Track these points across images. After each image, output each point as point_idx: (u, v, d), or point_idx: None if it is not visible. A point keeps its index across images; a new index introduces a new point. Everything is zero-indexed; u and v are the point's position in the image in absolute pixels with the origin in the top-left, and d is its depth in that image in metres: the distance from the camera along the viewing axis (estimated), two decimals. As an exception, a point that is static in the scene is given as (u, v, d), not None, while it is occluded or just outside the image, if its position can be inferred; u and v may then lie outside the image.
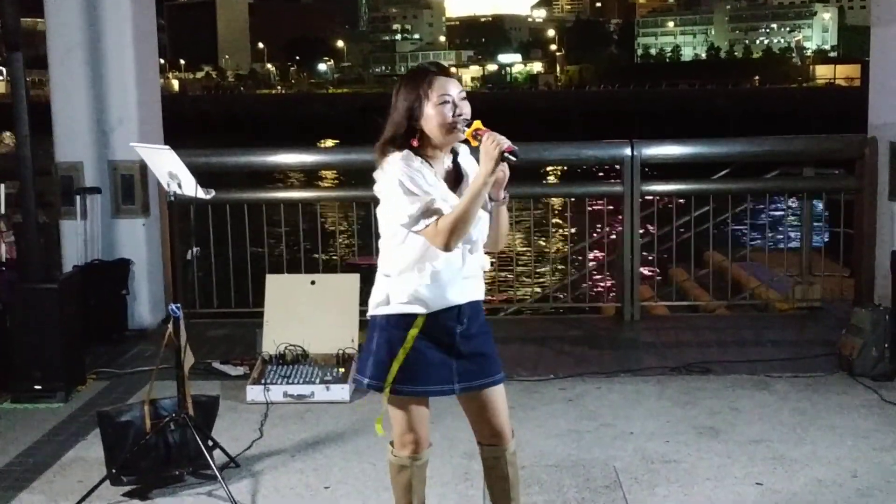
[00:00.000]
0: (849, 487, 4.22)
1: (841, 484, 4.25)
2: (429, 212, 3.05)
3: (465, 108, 3.11)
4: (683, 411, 5.24)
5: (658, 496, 4.17)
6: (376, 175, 3.16)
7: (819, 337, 6.60)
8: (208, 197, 4.27)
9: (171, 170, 4.20)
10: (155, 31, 7.57)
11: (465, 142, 3.14)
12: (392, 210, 3.11)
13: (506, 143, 2.98)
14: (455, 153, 3.24)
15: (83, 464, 4.64)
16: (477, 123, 3.06)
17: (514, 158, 2.99)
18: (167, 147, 4.27)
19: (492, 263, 3.43)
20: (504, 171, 3.07)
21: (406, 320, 3.17)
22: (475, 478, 4.27)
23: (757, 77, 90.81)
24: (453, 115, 3.08)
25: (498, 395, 3.32)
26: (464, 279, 3.19)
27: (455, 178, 3.20)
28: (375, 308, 3.23)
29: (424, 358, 3.18)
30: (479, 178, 3.01)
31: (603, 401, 5.44)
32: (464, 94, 3.12)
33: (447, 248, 3.05)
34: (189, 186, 4.17)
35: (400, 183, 3.05)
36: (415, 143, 3.12)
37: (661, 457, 4.60)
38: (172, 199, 4.31)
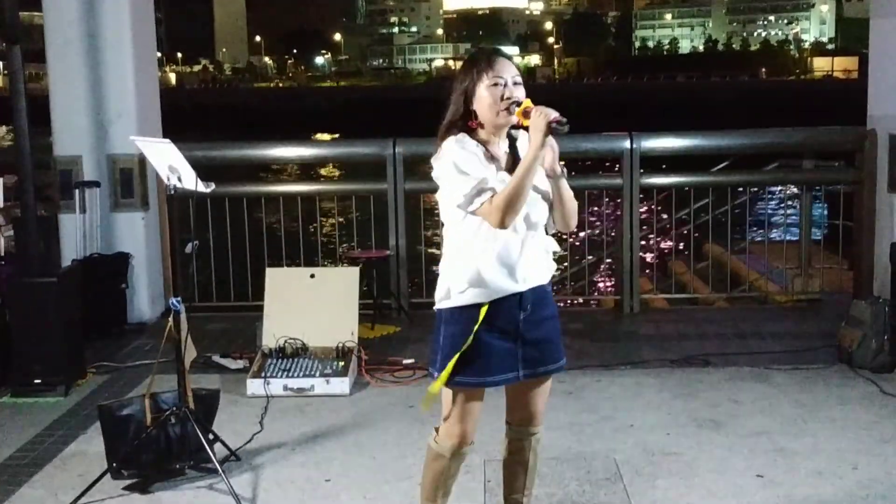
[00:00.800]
0: (849, 479, 4.22)
1: (841, 476, 4.26)
2: (483, 190, 3.04)
3: (518, 92, 3.10)
4: (684, 404, 5.24)
5: (659, 489, 4.18)
6: (433, 160, 3.17)
7: (818, 329, 6.60)
8: (208, 191, 4.26)
9: (171, 163, 4.19)
10: (153, 24, 7.56)
11: (523, 127, 3.11)
12: (448, 192, 3.11)
13: (553, 114, 2.98)
14: (513, 138, 3.20)
15: (84, 458, 4.64)
16: (527, 102, 3.06)
17: (563, 129, 2.98)
18: (167, 140, 4.26)
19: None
20: (553, 145, 3.05)
21: (468, 312, 3.14)
22: (475, 470, 4.28)
23: (764, 69, 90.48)
24: (503, 98, 3.08)
25: (546, 382, 3.35)
26: (525, 264, 3.15)
27: (512, 163, 3.14)
28: (439, 302, 3.22)
29: (489, 349, 3.16)
30: (529, 152, 3.00)
31: (603, 393, 5.44)
32: (518, 79, 3.12)
33: (503, 224, 3.04)
34: (189, 180, 4.16)
35: (454, 164, 3.07)
36: (472, 125, 3.13)
37: (661, 449, 4.60)
38: (172, 192, 4.30)
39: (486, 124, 3.14)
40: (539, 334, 3.22)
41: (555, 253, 3.30)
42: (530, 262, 3.17)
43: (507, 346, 3.18)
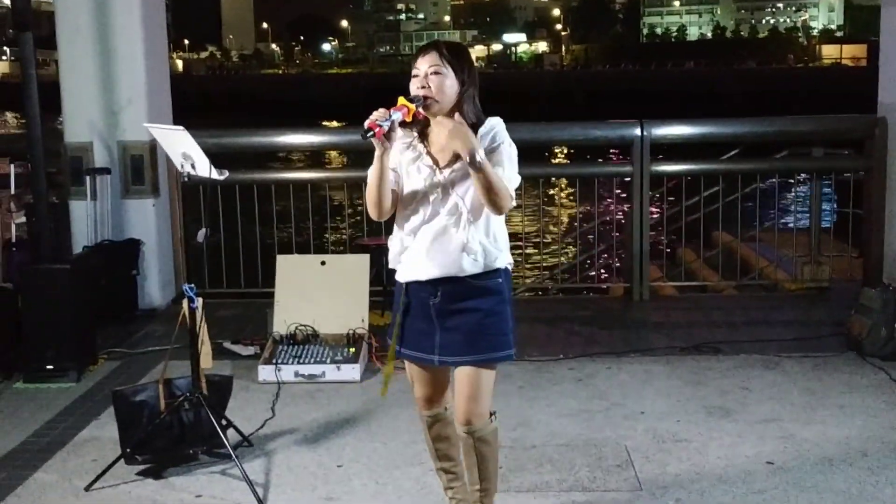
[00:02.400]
0: (859, 466, 4.23)
1: (851, 463, 4.27)
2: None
3: (431, 83, 3.18)
4: (693, 391, 5.26)
5: (669, 475, 4.19)
6: None
7: (828, 317, 6.61)
8: (222, 178, 4.27)
9: (184, 150, 4.20)
10: (164, 10, 7.58)
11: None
12: None
13: (368, 120, 3.07)
14: (467, 123, 3.19)
15: (97, 443, 4.67)
16: (400, 100, 3.15)
17: (368, 134, 3.06)
18: (181, 128, 4.26)
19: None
20: (462, 135, 3.05)
21: (399, 286, 3.39)
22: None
23: (791, 55, 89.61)
24: (417, 87, 3.20)
25: (470, 378, 3.33)
26: (426, 255, 3.26)
27: (453, 153, 3.19)
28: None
29: (410, 323, 3.36)
30: (375, 159, 3.17)
31: (613, 381, 5.46)
32: (439, 69, 3.18)
33: (373, 216, 3.28)
34: (203, 167, 4.17)
35: None
36: (419, 116, 3.22)
37: (672, 436, 4.62)
38: (186, 179, 4.31)
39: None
40: (455, 324, 3.29)
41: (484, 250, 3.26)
42: (438, 252, 3.24)
43: (424, 327, 3.33)
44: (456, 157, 3.18)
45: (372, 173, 3.20)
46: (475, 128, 3.18)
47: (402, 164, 3.28)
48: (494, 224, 3.28)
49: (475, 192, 3.15)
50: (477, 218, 3.23)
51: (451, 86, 3.19)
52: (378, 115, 3.06)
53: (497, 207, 3.14)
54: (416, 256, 3.29)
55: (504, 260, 3.32)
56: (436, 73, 3.18)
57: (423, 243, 3.27)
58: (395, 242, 3.37)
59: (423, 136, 3.30)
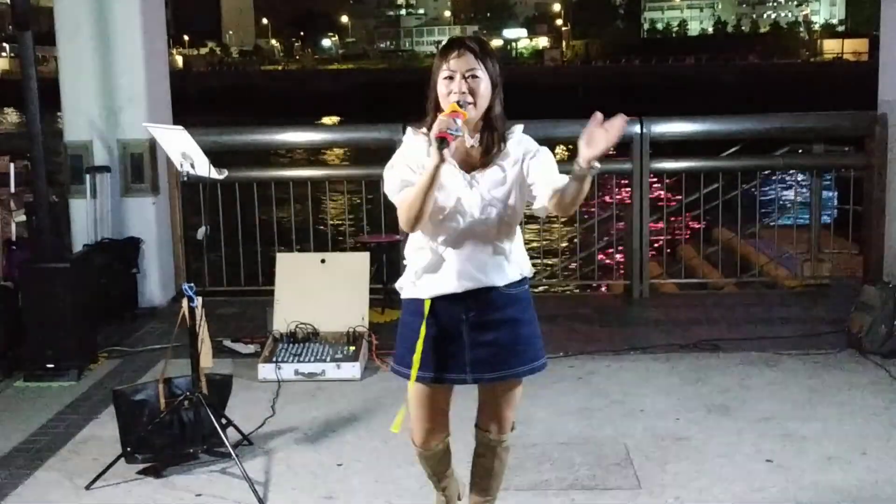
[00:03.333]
0: (859, 465, 4.24)
1: (850, 461, 4.27)
2: (405, 186, 3.00)
3: (469, 86, 2.97)
4: (694, 388, 5.27)
5: (669, 473, 4.20)
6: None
7: (828, 314, 6.61)
8: (221, 177, 4.28)
9: (184, 150, 4.21)
10: (163, 7, 7.56)
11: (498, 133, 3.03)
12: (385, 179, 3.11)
13: (436, 128, 2.84)
14: (492, 129, 3.04)
15: (97, 442, 4.67)
16: (452, 106, 2.94)
17: (443, 145, 2.83)
18: (180, 127, 4.27)
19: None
20: (600, 141, 2.77)
21: (414, 305, 3.13)
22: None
23: (805, 50, 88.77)
24: (451, 93, 2.97)
25: (510, 391, 3.23)
26: (465, 265, 3.06)
27: (485, 155, 3.04)
28: (399, 290, 3.23)
29: (433, 345, 3.10)
30: (428, 169, 2.89)
31: (613, 378, 5.46)
32: (477, 73, 2.98)
33: (405, 227, 3.01)
34: (202, 167, 4.18)
35: (396, 154, 3.09)
36: (438, 115, 2.98)
37: (671, 434, 4.63)
38: (185, 179, 4.31)
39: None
40: (488, 338, 3.11)
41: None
42: (472, 263, 3.07)
43: (452, 346, 3.11)
44: (485, 162, 3.03)
45: (421, 185, 2.90)
46: (504, 133, 3.07)
47: (417, 165, 3.04)
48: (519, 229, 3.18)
49: (514, 197, 3.03)
50: (513, 223, 3.11)
51: (486, 88, 3.01)
52: (445, 122, 2.83)
53: (570, 210, 3.01)
54: (450, 268, 3.07)
55: (529, 267, 3.22)
56: (473, 76, 2.98)
57: (460, 253, 3.06)
58: (421, 256, 3.12)
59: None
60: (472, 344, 3.11)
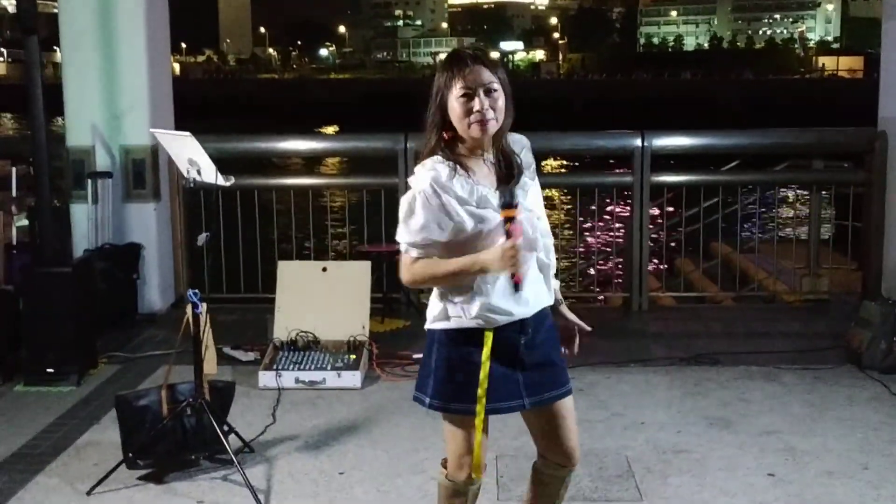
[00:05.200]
0: (860, 479, 4.24)
1: (852, 476, 4.28)
2: (423, 242, 2.85)
3: (492, 102, 2.81)
4: (694, 402, 5.27)
5: (671, 486, 4.20)
6: (410, 180, 2.92)
7: (827, 329, 6.62)
8: (228, 184, 4.29)
9: (190, 156, 4.21)
10: (167, 15, 7.54)
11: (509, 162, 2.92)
12: (400, 221, 2.89)
13: (509, 265, 2.76)
14: (501, 142, 2.92)
15: (98, 447, 4.66)
16: (511, 212, 2.78)
17: (518, 290, 2.84)
18: (188, 133, 4.28)
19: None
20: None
21: (466, 336, 2.91)
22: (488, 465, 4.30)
23: (805, 69, 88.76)
24: (472, 111, 2.80)
25: (568, 409, 3.08)
26: (530, 287, 2.92)
27: (503, 173, 2.89)
28: (433, 322, 2.97)
29: (493, 374, 2.91)
30: (475, 265, 2.78)
31: (613, 391, 5.46)
32: (494, 86, 2.82)
33: (408, 285, 2.96)
34: (209, 173, 4.18)
35: (410, 202, 2.84)
36: (448, 137, 2.87)
37: (672, 447, 4.63)
38: (192, 185, 4.32)
39: (461, 135, 2.87)
40: (538, 357, 2.98)
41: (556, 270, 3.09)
42: (536, 283, 2.95)
43: (506, 372, 2.93)
44: (511, 176, 2.88)
45: (455, 270, 2.81)
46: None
47: (454, 200, 2.81)
48: None
49: (541, 206, 2.97)
50: (547, 234, 3.02)
51: (503, 102, 2.84)
52: (520, 258, 2.75)
53: None
54: (503, 294, 2.87)
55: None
56: (492, 90, 2.81)
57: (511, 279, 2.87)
58: (465, 289, 2.88)
59: (460, 162, 2.86)
60: (528, 367, 2.97)
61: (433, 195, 2.81)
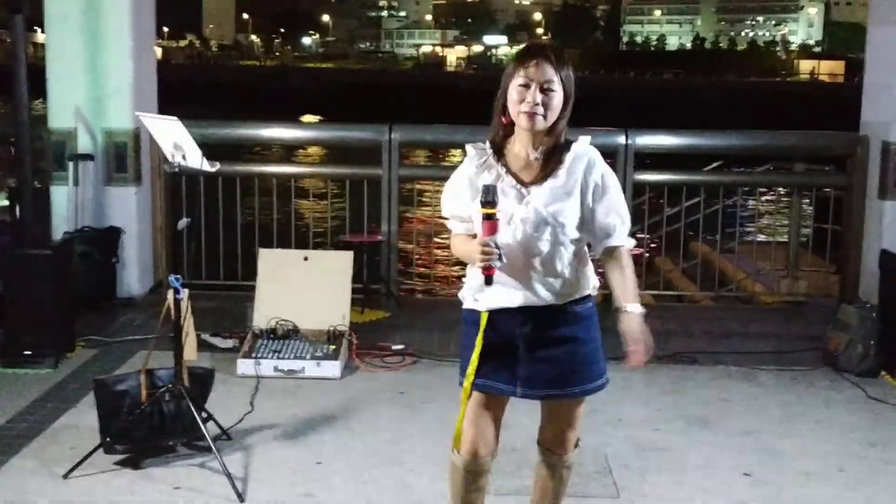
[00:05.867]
0: (836, 481, 4.28)
1: (829, 477, 4.31)
2: (450, 213, 3.14)
3: (546, 98, 2.93)
4: (672, 400, 5.29)
5: (649, 483, 4.22)
6: None
7: (804, 331, 6.65)
8: (213, 170, 4.26)
9: (176, 141, 4.18)
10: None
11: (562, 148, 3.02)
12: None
13: (479, 260, 2.90)
14: (555, 143, 3.01)
15: (75, 431, 4.63)
16: (489, 209, 2.88)
17: (490, 281, 2.95)
18: (174, 118, 4.25)
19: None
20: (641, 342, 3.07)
21: (473, 315, 3.10)
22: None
23: (786, 72, 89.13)
24: (524, 101, 2.93)
25: (569, 409, 3.21)
26: (523, 282, 3.02)
27: (543, 168, 2.99)
28: (462, 300, 3.20)
29: (486, 352, 3.06)
30: (466, 253, 3.03)
31: (592, 387, 5.46)
32: (552, 86, 2.93)
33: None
34: (194, 158, 4.16)
35: (453, 177, 3.12)
36: (505, 121, 3.00)
37: (651, 444, 4.65)
38: (176, 170, 4.29)
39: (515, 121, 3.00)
40: (546, 354, 3.06)
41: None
42: (527, 279, 3.02)
43: (506, 358, 3.06)
44: (545, 175, 2.99)
45: (462, 253, 3.08)
46: (565, 146, 3.02)
47: (471, 190, 3.03)
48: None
49: (570, 216, 2.98)
50: (569, 244, 3.03)
51: (559, 101, 2.95)
52: (487, 254, 2.87)
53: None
54: (504, 283, 3.01)
55: (594, 282, 3.15)
56: (550, 88, 2.92)
57: (514, 269, 2.99)
58: (473, 271, 3.07)
59: (500, 153, 3.04)
60: (526, 359, 3.07)
61: (459, 176, 3.09)
